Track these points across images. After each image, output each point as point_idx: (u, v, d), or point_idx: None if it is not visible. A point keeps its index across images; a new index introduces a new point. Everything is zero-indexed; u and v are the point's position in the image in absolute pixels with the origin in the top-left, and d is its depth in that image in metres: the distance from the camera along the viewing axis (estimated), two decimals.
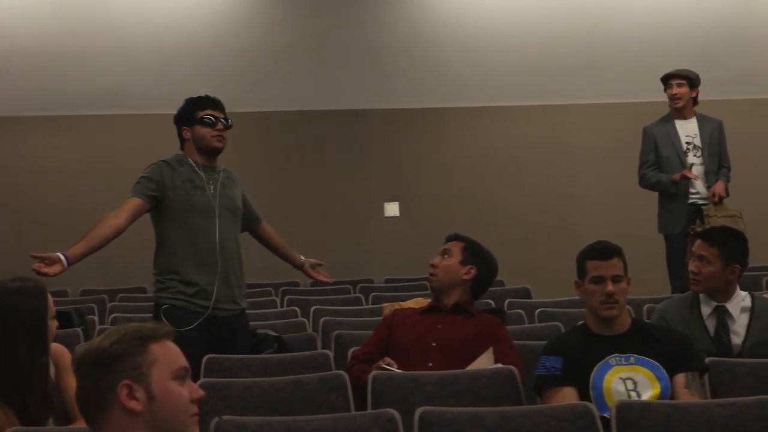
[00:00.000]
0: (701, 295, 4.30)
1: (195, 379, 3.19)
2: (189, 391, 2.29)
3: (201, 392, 2.32)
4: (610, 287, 3.77)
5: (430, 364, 4.03)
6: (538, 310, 5.75)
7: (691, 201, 6.58)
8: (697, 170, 6.60)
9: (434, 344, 4.12)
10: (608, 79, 9.12)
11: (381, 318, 4.68)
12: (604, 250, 3.89)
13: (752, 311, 4.24)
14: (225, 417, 3.16)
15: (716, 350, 4.14)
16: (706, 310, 4.27)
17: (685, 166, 6.59)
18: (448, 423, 3.17)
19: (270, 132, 9.23)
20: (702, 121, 6.71)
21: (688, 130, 6.68)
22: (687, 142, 6.65)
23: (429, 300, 4.52)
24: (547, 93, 9.26)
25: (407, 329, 4.22)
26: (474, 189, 8.97)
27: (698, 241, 4.37)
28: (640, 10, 9.22)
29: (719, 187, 6.50)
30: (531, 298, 6.76)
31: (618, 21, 9.20)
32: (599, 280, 3.79)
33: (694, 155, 6.63)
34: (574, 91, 9.25)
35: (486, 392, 3.72)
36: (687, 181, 6.56)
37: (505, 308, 5.95)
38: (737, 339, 4.20)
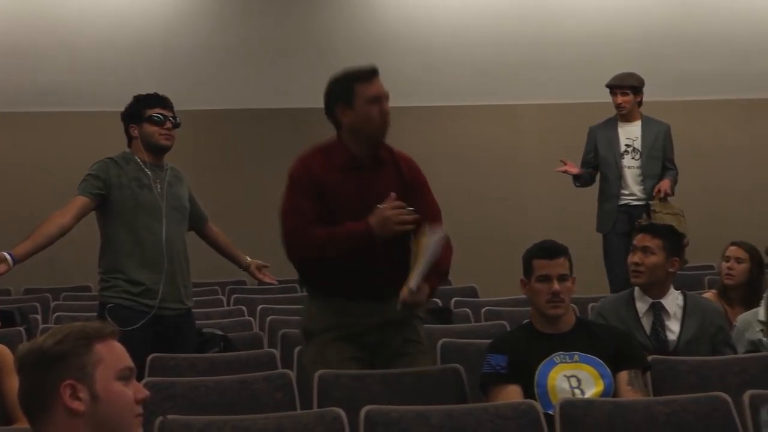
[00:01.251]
0: (636, 293, 4.39)
1: (140, 378, 3.17)
2: (133, 391, 2.28)
3: (146, 392, 2.31)
4: (556, 286, 3.80)
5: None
6: (485, 308, 5.79)
7: (622, 202, 6.71)
8: (633, 173, 6.73)
9: (377, 204, 3.82)
10: (556, 79, 9.19)
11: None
12: (550, 250, 3.92)
13: (685, 308, 4.35)
14: (169, 416, 3.14)
15: (653, 347, 4.23)
16: (642, 307, 4.37)
17: (620, 168, 6.71)
18: (394, 422, 3.18)
19: (216, 131, 9.18)
20: (647, 124, 6.81)
21: (629, 133, 6.79)
22: (627, 145, 6.77)
23: None
24: (496, 93, 9.31)
25: (336, 189, 3.87)
26: None
27: (640, 234, 4.47)
28: (588, 12, 9.31)
29: (665, 184, 6.61)
30: (478, 297, 6.79)
31: (566, 22, 9.28)
32: (545, 279, 3.82)
33: (632, 158, 6.74)
34: (523, 92, 9.30)
35: (431, 391, 3.73)
36: (619, 182, 6.70)
37: (452, 307, 5.98)
38: (672, 336, 4.31)
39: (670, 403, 3.33)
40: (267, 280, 4.81)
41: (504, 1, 9.34)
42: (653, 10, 9.33)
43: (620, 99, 6.78)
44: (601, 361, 3.73)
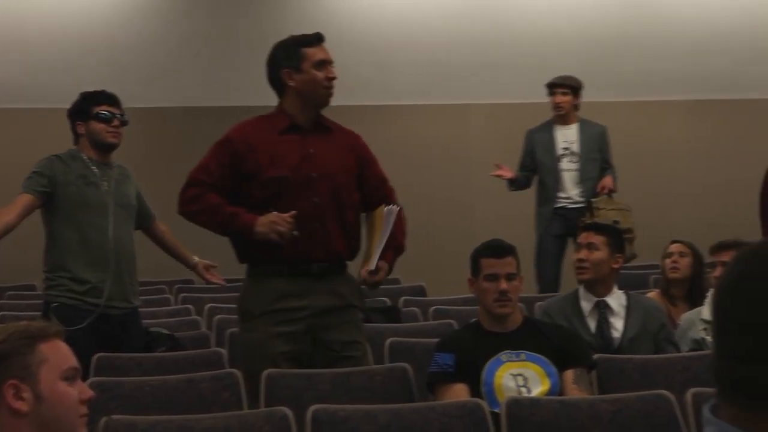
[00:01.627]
0: (581, 291, 4.44)
1: (85, 378, 3.15)
2: (78, 391, 2.26)
3: (90, 392, 2.29)
4: (503, 285, 3.83)
5: (316, 200, 3.85)
6: (433, 308, 5.80)
7: (559, 205, 6.76)
8: (571, 176, 6.77)
9: (314, 174, 3.86)
10: (506, 79, 9.24)
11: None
12: (498, 249, 3.95)
13: (628, 307, 4.41)
14: (114, 416, 3.12)
15: (598, 345, 4.28)
16: (586, 306, 4.42)
17: (557, 171, 6.75)
18: (341, 421, 3.18)
19: (164, 128, 9.12)
20: (584, 127, 6.85)
21: (567, 136, 6.83)
22: (564, 148, 6.81)
23: None
24: (446, 93, 9.34)
25: (274, 151, 3.84)
26: None
27: (585, 232, 4.53)
28: (538, 13, 9.37)
29: (607, 180, 6.67)
30: (426, 296, 6.81)
31: (516, 23, 9.33)
32: (493, 278, 3.85)
33: (570, 161, 6.78)
34: (473, 91, 9.34)
35: (379, 390, 3.74)
36: (557, 185, 6.76)
37: (400, 306, 5.99)
38: (617, 333, 4.37)
39: (615, 401, 3.37)
40: (214, 280, 4.78)
41: (455, 1, 9.37)
42: (601, 11, 9.41)
43: (559, 98, 6.81)
44: (547, 359, 3.76)
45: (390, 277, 7.43)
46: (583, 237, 4.52)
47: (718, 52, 9.37)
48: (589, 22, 9.31)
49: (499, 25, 9.33)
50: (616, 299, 4.43)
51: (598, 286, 4.42)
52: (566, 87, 6.82)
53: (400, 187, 9.59)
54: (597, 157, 6.78)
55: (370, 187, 4.02)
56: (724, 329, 1.30)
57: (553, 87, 6.86)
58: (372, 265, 3.84)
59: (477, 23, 9.32)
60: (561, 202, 6.75)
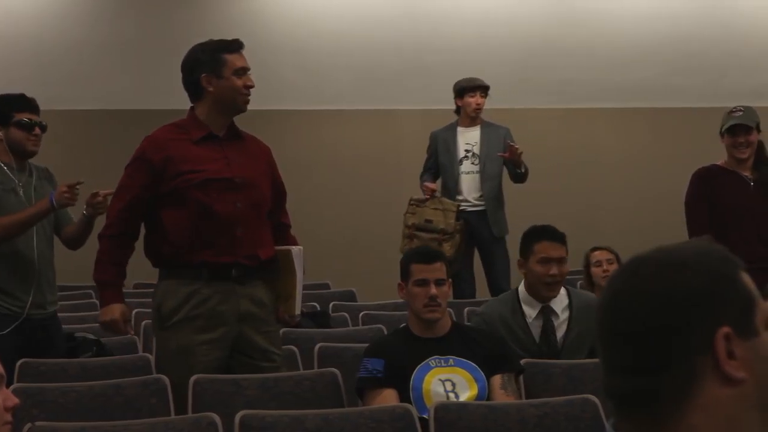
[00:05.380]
0: (523, 296, 4.35)
1: (9, 384, 3.09)
2: (3, 398, 2.22)
3: (15, 399, 2.25)
4: (433, 290, 3.85)
5: (239, 205, 3.85)
6: (363, 312, 5.80)
7: (459, 208, 6.77)
8: (472, 178, 6.78)
9: (237, 179, 3.87)
10: (437, 85, 9.27)
11: None
12: (428, 254, 3.99)
13: (570, 305, 4.36)
14: (38, 423, 3.07)
15: (543, 352, 4.24)
16: (530, 311, 4.33)
17: (457, 173, 6.77)
18: (269, 426, 3.17)
19: (87, 131, 9.00)
20: (486, 129, 6.87)
21: (469, 138, 6.86)
22: (466, 150, 6.83)
23: None
24: (376, 98, 9.36)
25: (190, 161, 3.84)
26: (301, 192, 8.95)
27: (552, 243, 4.33)
28: (470, 20, 9.43)
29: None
30: (356, 301, 6.81)
31: (447, 29, 9.38)
32: (423, 283, 3.87)
33: (472, 163, 6.81)
34: (403, 97, 9.37)
35: (308, 395, 3.74)
36: (456, 187, 6.78)
37: (330, 311, 5.99)
38: (560, 334, 4.32)
39: (542, 405, 3.40)
40: (99, 196, 4.44)
41: (385, 6, 9.40)
42: (530, 20, 9.50)
43: (481, 100, 6.85)
44: (475, 365, 3.79)
45: (320, 281, 7.48)
46: (554, 249, 4.32)
47: (643, 62, 9.52)
48: (519, 30, 9.40)
49: (430, 32, 9.38)
50: (560, 302, 4.35)
51: (540, 298, 4.33)
52: (486, 89, 6.86)
53: (330, 192, 9.63)
54: (499, 157, 6.74)
55: (274, 198, 4.04)
56: (607, 345, 1.32)
57: (476, 89, 6.87)
58: (297, 310, 3.97)
59: (408, 29, 9.35)
60: (460, 205, 6.75)
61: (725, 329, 1.25)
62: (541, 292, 4.30)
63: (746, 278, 1.30)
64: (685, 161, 4.61)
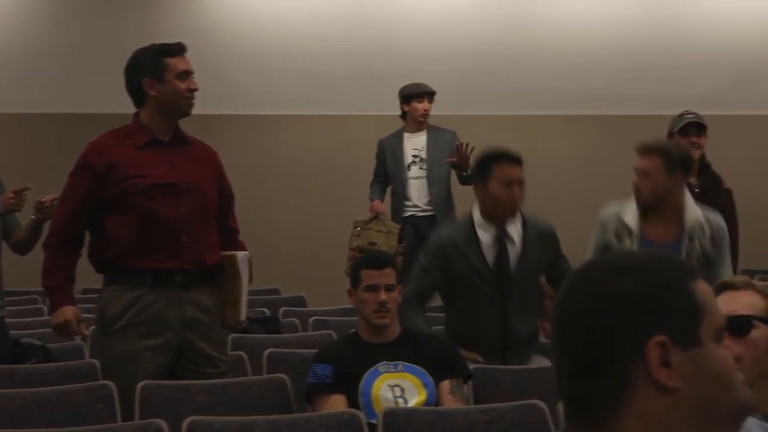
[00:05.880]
0: (478, 221, 4.31)
1: None
2: None
3: None
4: (383, 296, 3.86)
5: (184, 210, 3.84)
6: (312, 318, 5.80)
7: (408, 214, 6.80)
8: (420, 183, 6.81)
9: (182, 185, 3.85)
10: (387, 91, 9.28)
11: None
12: (378, 260, 4.00)
13: (525, 230, 4.36)
14: None
15: (496, 278, 4.26)
16: (485, 236, 4.31)
17: (405, 179, 6.79)
18: None
19: (35, 135, 8.89)
20: (433, 133, 6.89)
21: (416, 143, 6.88)
22: (414, 155, 6.85)
23: None
24: (327, 103, 9.35)
25: (135, 167, 3.82)
26: (250, 197, 8.91)
27: (509, 165, 4.26)
28: (419, 26, 9.45)
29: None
30: (306, 307, 6.80)
31: (397, 36, 9.40)
32: (373, 289, 3.87)
33: (420, 168, 6.83)
34: (355, 103, 9.38)
35: (256, 401, 3.72)
36: (405, 193, 6.81)
37: (280, 316, 5.98)
38: (514, 259, 4.32)
39: (489, 411, 3.42)
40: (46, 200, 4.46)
41: (335, 12, 9.40)
42: (483, 25, 9.55)
43: (427, 105, 6.87)
44: (424, 370, 3.80)
45: (270, 287, 7.46)
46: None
47: (592, 70, 9.60)
48: (468, 37, 9.44)
49: (381, 37, 9.39)
50: (514, 227, 4.32)
51: (500, 219, 4.28)
52: (433, 95, 6.87)
53: (281, 197, 9.60)
54: (446, 162, 6.73)
55: (221, 203, 4.03)
56: (557, 347, 1.33)
57: (423, 95, 6.88)
58: (243, 315, 3.97)
59: (359, 35, 9.36)
60: (409, 211, 6.77)
61: (660, 337, 1.25)
62: (502, 215, 4.27)
63: (701, 288, 1.30)
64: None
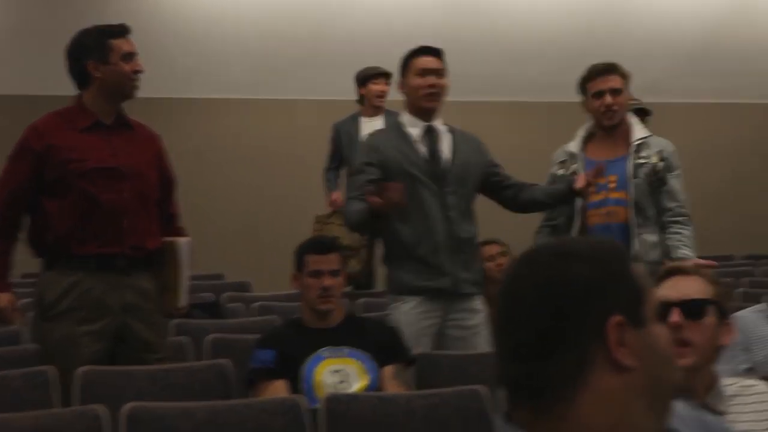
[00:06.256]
0: (405, 119, 4.39)
1: None
2: None
3: None
4: (327, 281, 3.87)
5: (125, 195, 3.82)
6: (257, 303, 5.78)
7: None
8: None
9: (123, 169, 3.83)
10: (332, 76, 9.27)
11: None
12: (322, 245, 4.00)
13: (452, 131, 4.43)
14: None
15: (431, 170, 4.27)
16: (415, 131, 4.34)
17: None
18: (158, 419, 3.13)
19: None
20: (389, 117, 6.89)
21: (373, 127, 6.81)
22: None
23: None
24: (274, 88, 9.31)
25: (77, 150, 3.78)
26: (196, 181, 8.88)
27: (426, 57, 4.41)
28: (367, 11, 9.44)
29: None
30: (250, 292, 6.78)
31: (342, 20, 9.38)
32: (317, 274, 3.88)
33: None
34: (301, 87, 9.35)
35: (199, 387, 3.70)
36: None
37: (224, 302, 5.95)
38: (446, 155, 4.34)
39: (430, 396, 3.43)
40: None
41: None
42: (430, 11, 9.55)
43: (384, 87, 6.80)
44: (367, 355, 3.81)
45: (214, 272, 7.42)
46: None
47: (539, 57, 9.65)
48: (415, 23, 9.42)
49: (328, 22, 9.36)
50: (441, 125, 4.39)
51: (427, 114, 4.35)
52: (389, 76, 6.78)
53: (226, 182, 9.54)
54: None
55: (162, 188, 4.01)
56: (504, 331, 1.35)
57: (379, 75, 6.84)
58: (184, 302, 3.97)
59: (306, 19, 9.32)
60: None
61: (617, 317, 1.29)
62: (423, 104, 4.33)
63: (637, 269, 1.35)
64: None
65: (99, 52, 3.81)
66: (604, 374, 1.28)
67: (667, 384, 1.34)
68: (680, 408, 1.46)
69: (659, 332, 1.34)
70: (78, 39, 3.87)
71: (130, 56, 3.84)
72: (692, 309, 2.35)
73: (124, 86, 3.84)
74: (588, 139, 4.55)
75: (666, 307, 2.36)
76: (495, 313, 1.38)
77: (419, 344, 4.11)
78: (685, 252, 4.34)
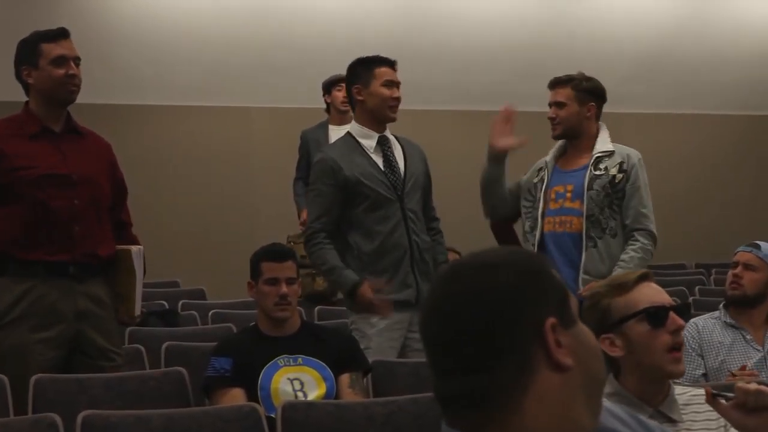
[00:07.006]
0: (358, 131, 4.39)
1: None
2: None
3: None
4: (284, 289, 3.85)
5: (76, 202, 3.77)
6: (212, 311, 5.76)
7: None
8: None
9: (74, 176, 3.80)
10: (285, 83, 9.25)
11: None
12: (279, 253, 3.98)
13: (399, 141, 4.47)
14: None
15: (390, 180, 4.30)
16: (369, 143, 4.36)
17: None
18: (113, 426, 3.10)
19: None
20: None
21: (340, 135, 6.83)
22: None
23: None
24: (228, 95, 9.27)
25: (24, 158, 3.73)
26: (149, 188, 8.81)
27: (388, 69, 4.47)
28: (321, 18, 9.42)
29: None
30: (206, 299, 6.75)
31: (295, 27, 9.34)
32: (274, 281, 3.87)
33: None
34: (255, 94, 9.31)
35: (154, 395, 3.68)
36: None
37: (179, 309, 5.92)
38: (400, 161, 4.39)
39: (389, 403, 3.43)
40: None
41: (235, 1, 9.31)
42: (382, 20, 9.55)
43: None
44: (324, 363, 3.80)
45: (169, 279, 7.37)
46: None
47: (490, 67, 9.70)
48: (368, 31, 9.41)
49: (280, 29, 9.32)
50: (391, 137, 4.43)
51: (378, 125, 4.38)
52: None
53: (180, 189, 9.48)
54: None
55: (114, 195, 3.98)
56: (434, 350, 1.35)
57: (342, 81, 6.81)
58: (138, 310, 3.93)
59: (260, 26, 9.28)
60: None
61: (551, 320, 1.31)
62: (389, 114, 4.37)
63: (555, 272, 1.37)
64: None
65: (30, 58, 3.78)
66: (546, 376, 1.29)
67: (599, 379, 1.38)
68: (612, 407, 1.49)
69: (587, 330, 1.37)
70: (18, 45, 3.84)
71: (61, 60, 3.77)
72: (682, 313, 2.43)
73: (57, 91, 3.78)
74: (564, 150, 4.59)
75: (663, 311, 2.39)
76: (424, 332, 1.37)
77: (386, 356, 4.11)
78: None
